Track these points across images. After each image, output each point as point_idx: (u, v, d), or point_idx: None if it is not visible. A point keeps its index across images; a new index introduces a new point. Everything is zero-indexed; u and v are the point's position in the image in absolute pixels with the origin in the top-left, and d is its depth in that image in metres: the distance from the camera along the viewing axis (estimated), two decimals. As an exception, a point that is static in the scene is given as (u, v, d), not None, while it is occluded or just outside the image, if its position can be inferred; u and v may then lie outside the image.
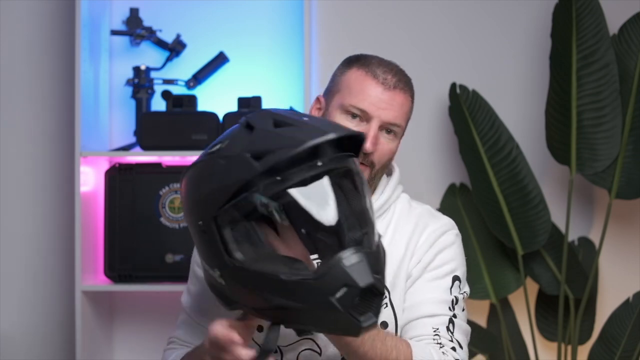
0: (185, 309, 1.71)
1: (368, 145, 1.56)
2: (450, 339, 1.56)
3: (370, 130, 1.57)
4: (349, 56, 1.67)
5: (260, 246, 1.28)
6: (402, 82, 1.61)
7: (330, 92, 1.64)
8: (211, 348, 1.37)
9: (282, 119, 1.30)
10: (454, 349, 1.55)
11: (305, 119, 1.31)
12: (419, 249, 1.63)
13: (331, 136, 1.25)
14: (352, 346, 1.41)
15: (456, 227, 1.69)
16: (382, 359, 1.44)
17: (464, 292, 1.65)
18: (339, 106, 1.60)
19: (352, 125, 1.58)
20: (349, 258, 1.23)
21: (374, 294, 1.24)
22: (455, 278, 1.63)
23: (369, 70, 1.60)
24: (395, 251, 1.63)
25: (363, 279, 1.22)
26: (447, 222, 1.69)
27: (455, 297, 1.61)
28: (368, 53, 1.67)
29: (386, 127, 1.59)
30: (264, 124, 1.29)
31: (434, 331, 1.56)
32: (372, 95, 1.58)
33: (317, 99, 1.68)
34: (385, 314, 1.59)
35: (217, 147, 1.32)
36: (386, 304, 1.59)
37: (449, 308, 1.59)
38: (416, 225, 1.66)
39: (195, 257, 1.69)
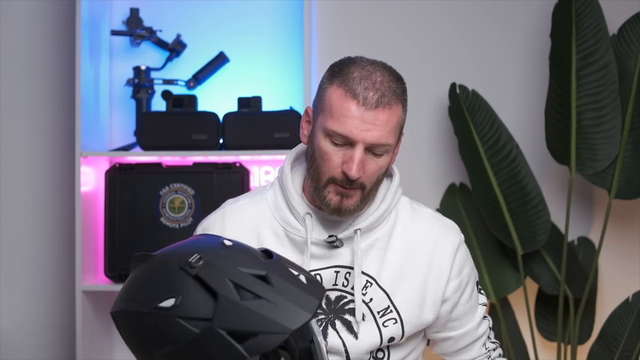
0: None
1: (353, 173, 1.50)
2: (494, 343, 1.75)
3: (355, 157, 1.50)
4: (333, 63, 1.59)
5: None
6: (387, 95, 1.51)
7: (317, 107, 1.58)
8: None
9: (243, 285, 1.26)
10: (494, 349, 1.74)
11: (267, 288, 1.27)
12: (439, 273, 1.63)
13: (308, 317, 1.25)
14: None
15: (460, 232, 1.69)
16: None
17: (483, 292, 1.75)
18: (323, 130, 1.53)
19: (337, 150, 1.52)
20: None
21: None
22: (477, 284, 1.72)
23: (349, 89, 1.50)
24: (405, 266, 1.61)
25: None
26: (454, 230, 1.68)
27: (484, 303, 1.72)
28: (367, 54, 1.63)
29: (373, 148, 1.52)
30: (226, 291, 1.25)
31: (487, 350, 1.73)
32: (354, 118, 1.49)
33: (306, 112, 1.61)
34: (393, 329, 1.60)
35: (169, 302, 1.26)
36: (395, 319, 1.60)
37: (484, 318, 1.73)
38: (426, 240, 1.64)
39: None
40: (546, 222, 2.64)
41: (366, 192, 1.55)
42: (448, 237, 1.65)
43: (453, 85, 2.71)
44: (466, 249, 1.68)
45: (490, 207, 2.67)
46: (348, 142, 1.51)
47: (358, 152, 1.50)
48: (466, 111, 2.68)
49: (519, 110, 2.83)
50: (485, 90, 2.72)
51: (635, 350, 2.61)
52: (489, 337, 1.73)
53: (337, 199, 1.54)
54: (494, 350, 1.73)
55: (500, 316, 2.70)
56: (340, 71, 1.54)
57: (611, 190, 2.62)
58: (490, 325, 1.74)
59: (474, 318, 1.69)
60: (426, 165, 2.85)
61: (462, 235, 1.68)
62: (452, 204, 2.78)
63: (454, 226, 1.68)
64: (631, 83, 2.60)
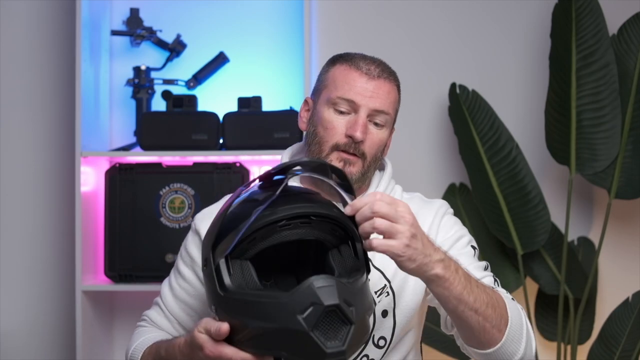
0: (163, 299, 1.73)
1: (358, 134, 1.57)
2: (506, 292, 1.57)
3: (359, 119, 1.59)
4: (332, 56, 1.69)
5: (250, 279, 1.32)
6: (386, 72, 1.63)
7: (317, 90, 1.67)
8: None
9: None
10: (512, 299, 1.55)
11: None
12: (427, 233, 1.63)
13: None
14: (450, 289, 1.37)
15: (449, 206, 1.73)
16: (488, 303, 1.42)
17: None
18: (326, 101, 1.62)
19: (340, 118, 1.60)
20: (320, 280, 1.27)
21: (342, 321, 1.27)
22: (474, 247, 1.67)
23: (352, 64, 1.62)
24: None
25: (328, 298, 1.25)
26: (441, 204, 1.72)
27: (486, 262, 1.65)
28: (366, 53, 1.68)
29: (375, 117, 1.61)
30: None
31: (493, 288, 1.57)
32: (358, 86, 1.60)
33: (305, 101, 1.70)
34: (386, 302, 1.61)
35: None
36: (387, 292, 1.61)
37: (485, 270, 1.62)
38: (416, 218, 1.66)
39: (183, 254, 1.72)
40: (546, 222, 2.64)
41: (366, 164, 1.61)
42: (433, 206, 1.69)
43: (453, 85, 2.72)
44: (456, 218, 1.71)
45: (490, 207, 2.67)
46: (352, 109, 1.60)
47: (362, 116, 1.59)
48: (466, 111, 2.68)
49: (519, 110, 2.83)
50: (485, 90, 2.72)
51: (635, 350, 2.62)
52: (499, 286, 1.62)
53: (340, 166, 1.59)
54: (510, 297, 1.58)
55: (500, 316, 2.69)
56: (341, 57, 1.66)
57: (611, 190, 2.62)
58: (497, 282, 1.63)
59: (471, 264, 1.61)
60: (426, 165, 2.85)
61: (452, 209, 1.72)
62: (452, 204, 2.74)
63: (441, 201, 1.73)
64: (631, 83, 2.60)
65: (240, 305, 1.31)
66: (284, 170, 1.37)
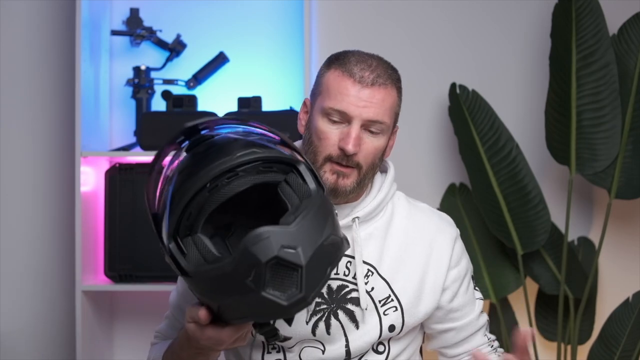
0: (172, 310, 1.74)
1: (350, 147, 1.52)
2: (495, 337, 1.74)
3: (352, 131, 1.53)
4: (330, 55, 1.64)
5: (206, 252, 1.28)
6: (382, 77, 1.56)
7: (314, 94, 1.62)
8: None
9: None
10: (495, 339, 1.74)
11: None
12: (438, 263, 1.65)
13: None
14: None
15: (455, 225, 1.73)
16: None
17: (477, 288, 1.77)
18: (320, 110, 1.57)
19: (334, 128, 1.55)
20: (251, 238, 1.21)
21: (290, 268, 1.22)
22: (472, 278, 1.73)
23: (346, 70, 1.56)
24: (404, 256, 1.63)
25: (264, 254, 1.20)
26: (450, 224, 1.72)
27: (481, 297, 1.73)
28: (362, 50, 1.65)
29: (369, 126, 1.55)
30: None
31: (488, 339, 1.72)
32: (350, 95, 1.54)
33: (304, 103, 1.65)
34: (394, 317, 1.61)
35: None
36: (395, 307, 1.61)
37: (482, 312, 1.73)
38: (425, 231, 1.67)
39: None
40: (546, 222, 2.64)
41: (362, 174, 1.57)
42: (446, 229, 1.69)
43: (453, 85, 2.71)
44: (462, 243, 1.72)
45: (490, 207, 2.67)
46: (345, 120, 1.55)
47: (355, 127, 1.54)
48: (466, 111, 2.68)
49: (519, 110, 2.83)
50: (485, 90, 2.72)
51: (635, 351, 2.62)
52: (489, 331, 1.75)
53: (333, 178, 1.56)
54: (494, 340, 1.74)
55: (500, 316, 2.69)
56: (337, 59, 1.61)
57: (611, 190, 2.62)
58: (487, 320, 1.75)
59: (474, 309, 1.70)
60: (426, 165, 2.85)
61: (457, 229, 1.72)
62: (452, 204, 2.78)
63: (449, 220, 1.73)
64: (631, 83, 2.60)
65: (201, 285, 1.29)
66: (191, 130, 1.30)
